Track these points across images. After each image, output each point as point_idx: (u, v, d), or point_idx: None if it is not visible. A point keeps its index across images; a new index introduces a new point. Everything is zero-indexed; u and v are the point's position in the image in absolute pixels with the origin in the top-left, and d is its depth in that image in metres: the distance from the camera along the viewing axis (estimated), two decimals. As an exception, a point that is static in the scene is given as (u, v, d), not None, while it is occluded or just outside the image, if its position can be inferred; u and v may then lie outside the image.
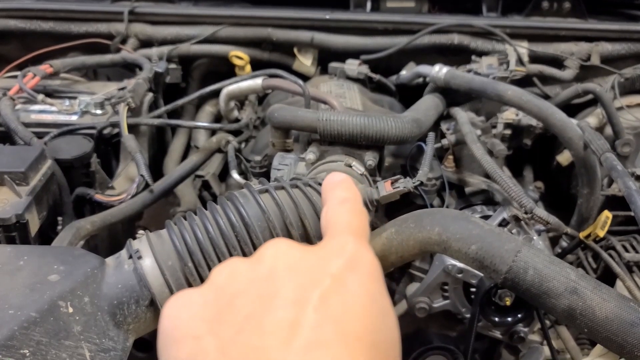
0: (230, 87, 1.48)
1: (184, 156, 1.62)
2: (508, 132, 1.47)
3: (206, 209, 0.71)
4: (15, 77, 1.42)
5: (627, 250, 1.29)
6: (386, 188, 0.82)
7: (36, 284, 0.84)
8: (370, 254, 0.39)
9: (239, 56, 1.76)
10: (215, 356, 0.32)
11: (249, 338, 0.32)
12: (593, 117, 1.56)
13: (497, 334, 1.23)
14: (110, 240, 1.27)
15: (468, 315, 1.22)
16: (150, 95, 1.52)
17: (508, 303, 1.11)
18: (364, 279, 0.36)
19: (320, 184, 0.75)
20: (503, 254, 0.76)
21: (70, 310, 0.84)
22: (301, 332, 0.32)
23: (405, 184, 0.82)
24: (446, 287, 1.23)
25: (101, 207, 1.21)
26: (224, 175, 1.58)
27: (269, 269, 0.37)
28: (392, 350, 0.35)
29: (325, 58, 1.80)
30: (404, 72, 1.73)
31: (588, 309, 0.73)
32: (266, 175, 1.35)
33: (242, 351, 0.31)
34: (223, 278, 0.38)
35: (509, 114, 1.47)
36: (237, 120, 1.63)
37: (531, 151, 1.62)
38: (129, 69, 1.72)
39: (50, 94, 1.43)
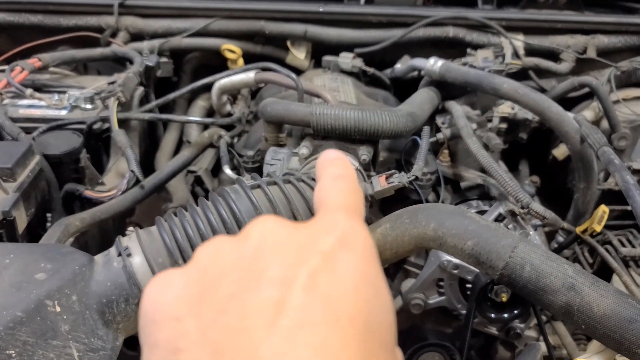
0: (223, 81, 1.46)
1: (176, 151, 1.60)
2: (504, 125, 1.45)
3: (197, 204, 0.70)
4: (2, 71, 1.40)
5: (623, 245, 1.28)
6: (381, 183, 0.81)
7: (22, 282, 0.83)
8: (364, 232, 0.37)
9: (231, 49, 1.75)
10: (196, 338, 0.31)
11: (232, 319, 0.30)
12: (589, 111, 1.55)
13: (494, 330, 1.22)
14: (101, 237, 1.25)
15: (464, 312, 1.21)
16: (141, 89, 1.50)
17: (504, 299, 1.10)
18: (357, 258, 0.34)
19: (314, 180, 0.74)
20: (499, 250, 0.75)
21: (58, 309, 0.82)
22: (287, 312, 0.30)
23: (400, 179, 0.81)
24: (442, 283, 1.22)
25: (91, 203, 1.19)
26: (216, 170, 1.56)
27: (255, 247, 0.35)
28: (386, 333, 0.33)
29: (319, 51, 1.78)
30: (398, 66, 1.71)
31: (586, 305, 0.72)
32: (259, 170, 1.33)
33: (224, 332, 0.30)
34: (207, 258, 0.36)
35: (505, 108, 1.46)
36: (229, 114, 1.61)
37: (527, 145, 1.61)
38: (120, 62, 1.70)
39: (39, 88, 1.41)
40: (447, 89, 1.42)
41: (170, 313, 0.33)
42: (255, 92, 1.75)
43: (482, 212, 1.22)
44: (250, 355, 0.28)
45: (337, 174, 0.44)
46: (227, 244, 0.36)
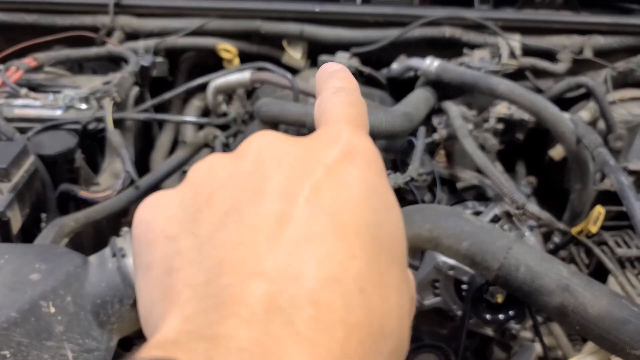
0: (218, 81, 1.46)
1: (171, 151, 1.60)
2: (500, 126, 1.45)
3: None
4: (-2, 70, 1.40)
5: (619, 246, 1.28)
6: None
7: (17, 283, 0.83)
8: (368, 143, 0.34)
9: (227, 49, 1.74)
10: (192, 256, 0.29)
11: (230, 234, 0.28)
12: (586, 111, 1.54)
13: (489, 331, 1.22)
14: (96, 237, 1.25)
15: (459, 313, 1.21)
16: (136, 89, 1.50)
17: (500, 300, 1.10)
18: (362, 169, 0.32)
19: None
20: (495, 251, 0.75)
21: (52, 310, 0.82)
22: (290, 225, 0.28)
23: (395, 179, 0.81)
24: (437, 284, 1.22)
25: (86, 203, 1.19)
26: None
27: (253, 161, 0.32)
28: (397, 246, 0.31)
29: (315, 51, 1.78)
30: (394, 66, 1.71)
31: (580, 306, 0.72)
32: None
33: (222, 249, 0.28)
34: (201, 174, 0.33)
35: (501, 108, 1.46)
36: (225, 114, 1.61)
37: (524, 145, 1.61)
38: (115, 62, 1.70)
39: (34, 88, 1.41)
40: (444, 88, 1.42)
41: (163, 232, 0.31)
42: (251, 91, 1.75)
43: (478, 213, 1.22)
44: (252, 270, 0.26)
45: (337, 87, 0.41)
46: (222, 159, 0.34)
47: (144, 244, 0.32)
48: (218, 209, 0.30)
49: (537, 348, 1.11)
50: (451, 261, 1.15)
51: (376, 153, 0.34)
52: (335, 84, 0.41)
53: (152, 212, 0.33)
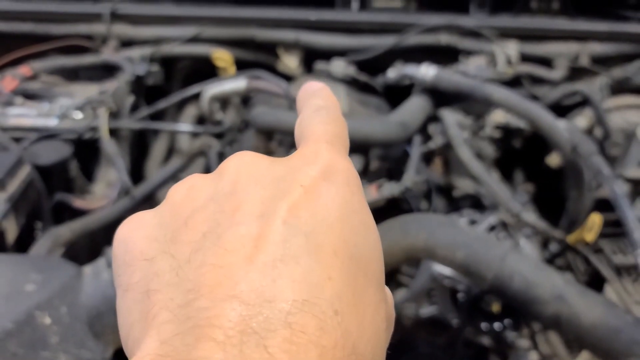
0: (213, 90, 1.46)
1: (166, 158, 1.60)
2: (497, 134, 1.45)
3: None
4: (-6, 79, 1.40)
5: (615, 253, 1.28)
6: (371, 193, 0.81)
7: (12, 293, 0.83)
8: (347, 163, 0.34)
9: (222, 57, 1.74)
10: (169, 278, 0.29)
11: (207, 257, 0.28)
12: (583, 118, 1.54)
13: (485, 340, 1.21)
14: (90, 247, 1.25)
15: (455, 322, 1.21)
16: (131, 97, 1.50)
17: (496, 309, 1.10)
18: (341, 189, 0.32)
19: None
20: (489, 261, 0.75)
21: (48, 320, 0.82)
22: (267, 247, 0.28)
23: (390, 189, 0.81)
24: (433, 294, 1.22)
25: (81, 212, 1.19)
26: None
27: (231, 181, 0.33)
28: (374, 266, 0.31)
29: (311, 58, 1.78)
30: (391, 74, 1.71)
31: (574, 315, 0.72)
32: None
33: (199, 271, 0.28)
34: (180, 195, 0.33)
35: (498, 116, 1.46)
36: (220, 122, 1.61)
37: (521, 153, 1.61)
38: (110, 70, 1.70)
39: (30, 96, 1.40)
40: (440, 95, 1.42)
41: (142, 254, 0.31)
42: (246, 99, 1.75)
43: (473, 222, 1.22)
44: (227, 293, 0.26)
45: (318, 105, 0.41)
46: (201, 180, 0.34)
47: (123, 265, 0.32)
48: (196, 230, 0.30)
49: (534, 357, 1.11)
50: (447, 271, 1.15)
51: (354, 173, 0.35)
52: (317, 102, 0.41)
53: (131, 233, 0.33)
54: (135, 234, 0.33)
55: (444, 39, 1.75)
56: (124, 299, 0.31)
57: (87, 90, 1.44)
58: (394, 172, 1.31)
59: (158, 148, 1.62)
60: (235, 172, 0.33)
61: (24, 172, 1.09)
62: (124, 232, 0.34)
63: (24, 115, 1.33)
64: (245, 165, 0.34)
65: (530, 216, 1.09)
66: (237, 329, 0.25)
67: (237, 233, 0.29)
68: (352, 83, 1.72)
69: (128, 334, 0.30)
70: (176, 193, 0.34)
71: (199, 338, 0.25)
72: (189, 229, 0.31)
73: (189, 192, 0.33)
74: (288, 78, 1.65)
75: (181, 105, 1.76)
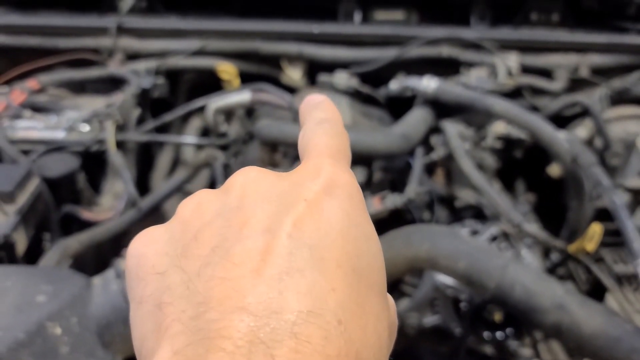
0: (218, 102, 1.47)
1: (172, 170, 1.61)
2: (498, 144, 1.47)
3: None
4: (2, 93, 1.42)
5: (616, 263, 1.28)
6: (375, 205, 0.82)
7: (23, 304, 0.84)
8: (349, 176, 0.36)
9: (227, 70, 1.76)
10: (181, 291, 0.30)
11: (216, 270, 0.30)
12: (583, 128, 1.56)
13: (488, 349, 1.23)
14: (98, 258, 1.26)
15: (458, 331, 1.22)
16: (137, 110, 1.52)
17: (498, 318, 1.11)
18: (343, 203, 0.33)
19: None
20: (490, 271, 0.76)
21: (59, 331, 0.84)
22: (273, 260, 0.29)
23: (393, 200, 0.83)
24: (436, 303, 1.23)
25: (89, 224, 1.20)
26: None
27: (238, 197, 0.34)
28: (376, 277, 0.33)
29: (315, 70, 1.80)
30: (393, 86, 1.72)
31: (574, 324, 0.73)
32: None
33: (208, 284, 0.29)
34: (189, 211, 0.35)
35: (499, 127, 1.47)
36: (225, 134, 1.62)
37: (523, 163, 1.62)
38: (117, 83, 1.72)
39: (38, 109, 1.43)
40: (442, 106, 1.44)
41: (154, 268, 0.33)
42: (251, 111, 1.77)
43: (475, 232, 1.24)
44: (236, 305, 0.28)
45: (321, 118, 0.42)
46: (209, 195, 0.36)
47: (136, 279, 0.34)
48: (205, 245, 0.32)
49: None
50: (449, 280, 1.17)
51: (356, 186, 0.36)
52: (319, 115, 0.42)
53: (143, 248, 0.35)
54: (147, 249, 0.34)
55: (445, 51, 1.76)
56: (137, 311, 0.32)
57: (94, 103, 1.46)
58: (397, 183, 1.33)
59: (163, 160, 1.63)
60: (241, 187, 0.35)
61: (33, 184, 1.10)
62: (136, 247, 0.35)
63: (32, 128, 1.35)
64: (251, 181, 0.35)
65: (532, 226, 1.10)
66: (245, 339, 0.27)
67: (245, 247, 0.30)
68: (354, 95, 1.73)
69: (142, 344, 0.32)
70: (185, 209, 0.35)
71: (210, 349, 0.26)
72: (199, 244, 0.32)
73: (198, 207, 0.35)
74: (291, 90, 1.67)
75: (186, 117, 1.77)
